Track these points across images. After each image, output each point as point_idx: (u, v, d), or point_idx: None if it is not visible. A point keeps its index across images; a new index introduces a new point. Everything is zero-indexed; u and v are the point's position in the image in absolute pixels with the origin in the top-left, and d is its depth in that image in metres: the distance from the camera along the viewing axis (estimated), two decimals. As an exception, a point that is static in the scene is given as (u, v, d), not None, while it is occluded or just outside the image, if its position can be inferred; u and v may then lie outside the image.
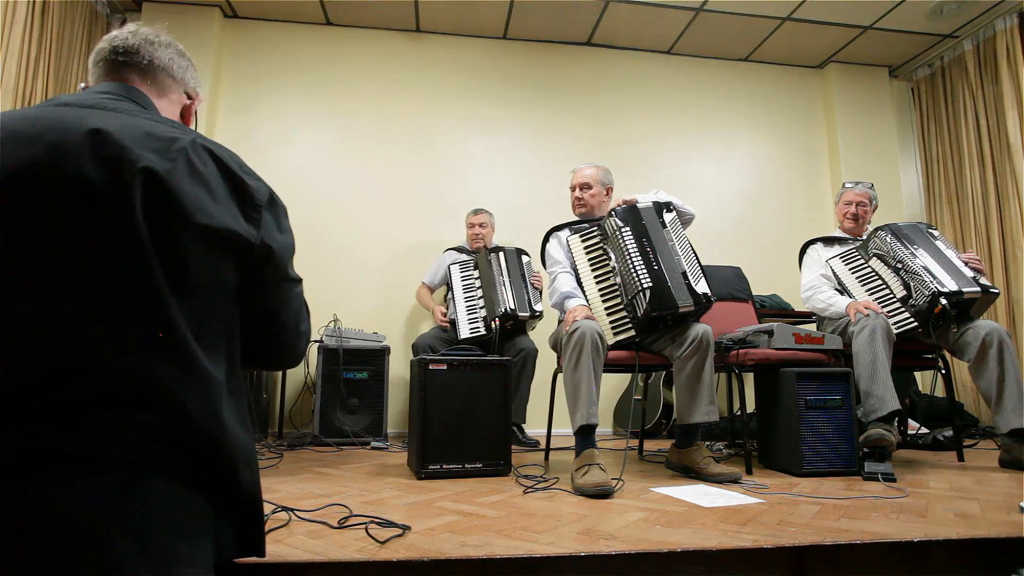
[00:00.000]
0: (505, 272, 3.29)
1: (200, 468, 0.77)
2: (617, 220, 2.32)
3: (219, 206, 0.79)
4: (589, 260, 2.41)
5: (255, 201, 0.84)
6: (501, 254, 3.36)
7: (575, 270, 2.43)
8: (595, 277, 2.38)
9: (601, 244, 2.40)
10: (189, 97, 1.04)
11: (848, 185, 2.91)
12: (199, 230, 0.76)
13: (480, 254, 3.44)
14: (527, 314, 3.15)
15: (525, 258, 3.41)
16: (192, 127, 1.04)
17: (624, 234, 2.28)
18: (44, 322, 0.71)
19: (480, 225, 3.60)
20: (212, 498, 0.79)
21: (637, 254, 2.23)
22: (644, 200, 2.42)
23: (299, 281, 0.96)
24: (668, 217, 2.36)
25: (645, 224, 2.31)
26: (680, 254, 2.26)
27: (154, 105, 0.94)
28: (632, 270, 2.21)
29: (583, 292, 2.37)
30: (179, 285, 0.75)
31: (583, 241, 2.45)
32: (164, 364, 0.74)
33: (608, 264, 2.35)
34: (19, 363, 0.70)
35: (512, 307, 3.12)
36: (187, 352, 0.75)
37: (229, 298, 0.83)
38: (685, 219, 2.48)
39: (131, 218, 0.73)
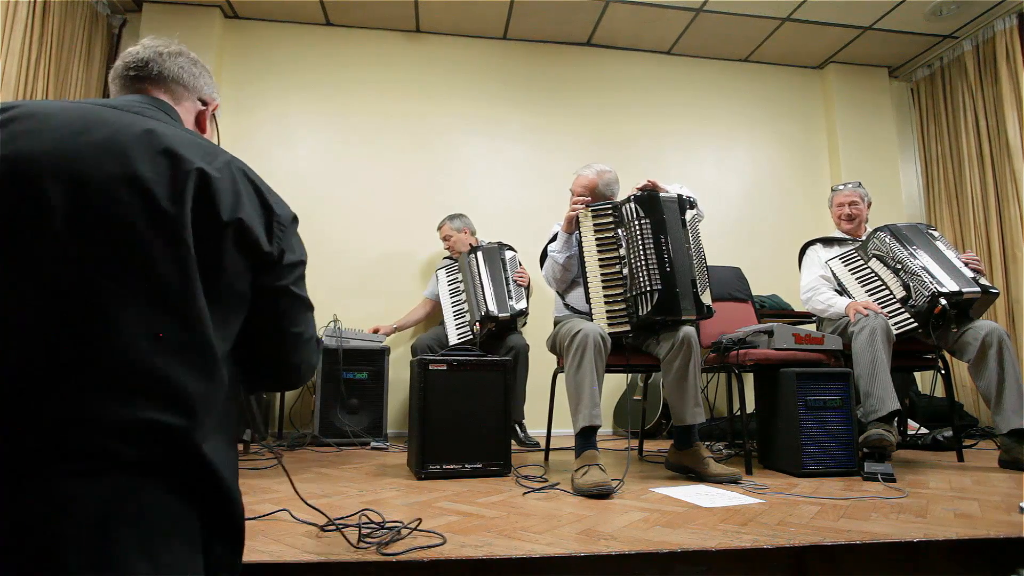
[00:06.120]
0: (485, 273, 3.23)
1: (200, 476, 0.75)
2: (638, 207, 2.18)
3: (252, 214, 0.83)
4: (597, 240, 2.25)
5: (279, 220, 0.88)
6: (479, 254, 3.30)
7: (579, 244, 2.26)
8: (600, 261, 2.23)
9: (613, 226, 2.25)
10: (204, 103, 1.05)
11: (838, 188, 2.92)
12: (234, 229, 0.79)
13: (461, 257, 3.41)
14: (507, 314, 3.09)
15: (509, 253, 3.34)
16: (210, 131, 1.09)
17: (642, 225, 2.16)
18: (72, 313, 0.69)
19: (444, 238, 3.60)
20: (208, 509, 0.77)
21: (652, 251, 2.13)
22: (667, 191, 2.29)
23: (310, 306, 0.97)
24: (689, 215, 2.26)
25: (666, 219, 2.18)
26: (694, 259, 2.19)
27: (178, 114, 0.97)
28: (643, 266, 2.13)
29: (584, 272, 2.23)
30: (212, 287, 0.77)
31: (594, 217, 2.27)
32: (190, 365, 0.74)
33: (616, 250, 2.22)
34: (36, 355, 0.68)
35: (491, 309, 3.08)
36: (212, 356, 0.76)
37: (245, 309, 0.85)
38: (698, 220, 2.40)
39: (181, 216, 0.74)
